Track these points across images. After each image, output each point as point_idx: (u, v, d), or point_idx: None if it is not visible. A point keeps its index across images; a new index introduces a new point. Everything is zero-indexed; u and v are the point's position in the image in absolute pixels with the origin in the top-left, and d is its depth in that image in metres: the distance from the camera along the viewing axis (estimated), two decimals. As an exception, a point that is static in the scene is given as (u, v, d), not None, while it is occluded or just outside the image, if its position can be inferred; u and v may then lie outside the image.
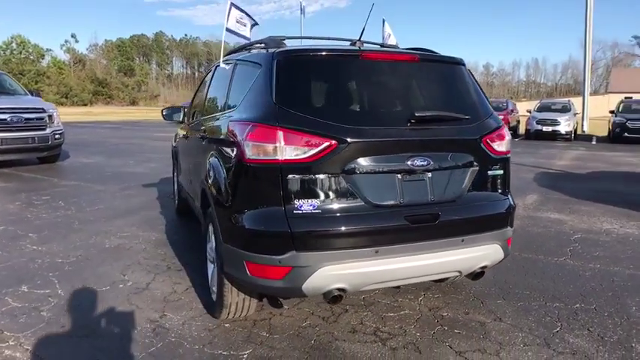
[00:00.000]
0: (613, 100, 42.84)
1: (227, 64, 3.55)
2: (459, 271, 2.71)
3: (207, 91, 3.98)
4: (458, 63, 2.91)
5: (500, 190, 2.85)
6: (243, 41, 3.85)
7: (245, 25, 3.74)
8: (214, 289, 3.11)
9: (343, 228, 2.37)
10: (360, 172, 2.43)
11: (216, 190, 2.74)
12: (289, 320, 3.05)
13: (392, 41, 4.06)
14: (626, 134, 15.91)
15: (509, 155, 2.91)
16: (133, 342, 2.75)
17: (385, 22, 4.11)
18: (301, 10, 31.33)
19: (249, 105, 2.67)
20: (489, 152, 2.76)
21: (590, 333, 2.90)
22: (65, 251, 4.33)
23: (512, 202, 2.89)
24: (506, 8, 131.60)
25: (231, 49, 4.12)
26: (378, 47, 2.89)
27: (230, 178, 2.60)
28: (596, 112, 25.04)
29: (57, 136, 9.55)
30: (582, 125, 20.83)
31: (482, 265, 2.75)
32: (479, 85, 2.97)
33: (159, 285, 3.59)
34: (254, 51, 3.11)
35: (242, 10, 3.71)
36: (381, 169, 2.47)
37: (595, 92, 56.64)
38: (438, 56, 2.90)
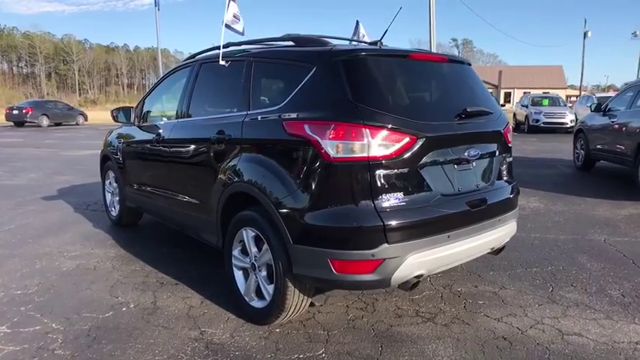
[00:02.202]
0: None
1: (227, 61, 3.38)
2: (492, 247, 3.07)
3: (192, 91, 3.69)
4: (469, 64, 3.26)
5: (511, 175, 3.29)
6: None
7: (239, 20, 3.58)
8: (253, 295, 3.00)
9: (424, 217, 2.53)
10: (432, 164, 2.62)
11: (279, 191, 2.64)
12: (332, 316, 3.08)
13: (367, 41, 4.26)
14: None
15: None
16: (199, 363, 2.53)
17: (359, 24, 4.30)
18: (155, 2, 29.48)
19: (309, 104, 2.64)
20: (506, 142, 3.17)
21: (574, 288, 3.51)
22: (15, 282, 3.65)
23: (517, 185, 3.35)
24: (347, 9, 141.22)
25: (209, 48, 3.92)
26: (408, 49, 3.06)
27: (305, 179, 2.54)
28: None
29: None
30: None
31: (507, 240, 3.16)
32: None
33: (168, 302, 3.29)
34: (288, 49, 3.03)
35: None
36: (445, 160, 2.69)
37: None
38: (456, 57, 3.21)
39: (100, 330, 2.89)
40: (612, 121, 7.78)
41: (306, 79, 2.71)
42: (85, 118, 29.10)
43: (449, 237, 2.63)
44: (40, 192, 7.12)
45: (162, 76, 4.49)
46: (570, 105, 22.41)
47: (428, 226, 2.55)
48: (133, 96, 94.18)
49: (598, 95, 19.36)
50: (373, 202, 2.43)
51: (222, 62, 3.39)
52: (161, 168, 3.99)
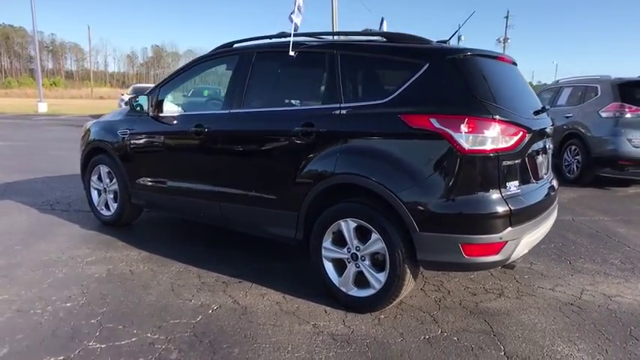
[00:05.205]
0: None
1: (296, 52, 3.33)
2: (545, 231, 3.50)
3: (248, 82, 3.53)
4: (516, 64, 3.65)
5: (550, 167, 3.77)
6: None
7: (300, 14, 3.51)
8: (352, 284, 3.05)
9: (533, 202, 2.86)
10: (531, 156, 2.94)
11: (402, 182, 2.73)
12: (418, 300, 3.26)
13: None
14: None
15: None
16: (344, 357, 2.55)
17: (384, 21, 4.45)
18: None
19: (429, 99, 2.78)
20: (551, 138, 3.62)
21: (585, 260, 4.14)
22: (52, 293, 3.21)
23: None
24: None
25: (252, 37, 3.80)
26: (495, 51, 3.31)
27: (434, 169, 2.67)
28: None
29: None
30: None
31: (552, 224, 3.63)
32: None
33: (249, 301, 3.18)
34: (386, 44, 3.09)
35: (301, -4, 3.47)
36: (536, 152, 3.04)
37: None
38: (512, 58, 3.56)
39: (208, 335, 2.72)
40: (532, 118, 8.96)
41: (417, 75, 2.84)
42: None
43: (540, 220, 2.99)
44: (-30, 192, 6.07)
45: (183, 65, 4.18)
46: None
47: (534, 210, 2.88)
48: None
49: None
50: (500, 190, 2.68)
51: (291, 53, 3.33)
52: (204, 161, 3.75)
